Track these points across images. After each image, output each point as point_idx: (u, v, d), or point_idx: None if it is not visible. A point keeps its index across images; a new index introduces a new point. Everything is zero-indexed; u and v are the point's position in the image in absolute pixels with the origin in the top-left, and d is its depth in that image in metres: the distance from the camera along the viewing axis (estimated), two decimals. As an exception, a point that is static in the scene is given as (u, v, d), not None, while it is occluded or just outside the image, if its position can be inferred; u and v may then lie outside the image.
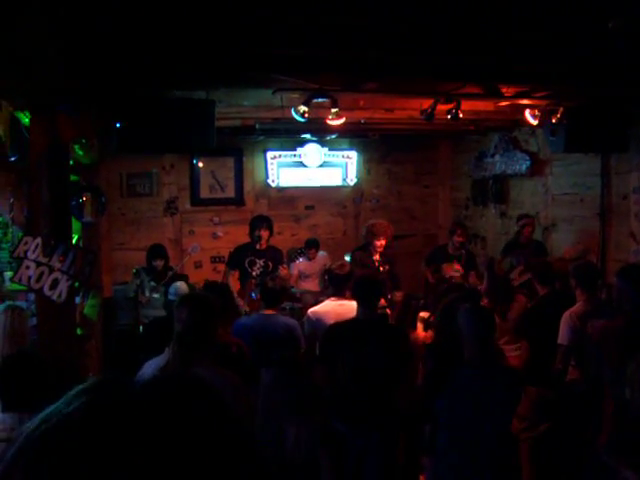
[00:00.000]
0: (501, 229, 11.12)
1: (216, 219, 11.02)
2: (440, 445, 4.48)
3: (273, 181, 11.02)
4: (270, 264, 9.11)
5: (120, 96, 5.95)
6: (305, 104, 6.27)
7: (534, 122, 7.44)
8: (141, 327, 7.77)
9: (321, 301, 9.07)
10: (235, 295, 8.25)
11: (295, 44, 4.87)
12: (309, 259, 9.76)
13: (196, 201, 10.87)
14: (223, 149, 9.90)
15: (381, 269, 8.80)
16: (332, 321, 6.12)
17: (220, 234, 11.01)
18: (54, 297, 4.81)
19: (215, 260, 10.88)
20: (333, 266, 6.66)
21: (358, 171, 11.52)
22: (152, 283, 8.18)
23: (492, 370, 4.37)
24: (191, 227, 10.86)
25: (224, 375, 3.90)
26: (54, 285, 4.81)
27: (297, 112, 6.34)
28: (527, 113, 7.36)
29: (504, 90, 6.63)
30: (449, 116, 6.83)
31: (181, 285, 6.85)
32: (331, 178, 11.41)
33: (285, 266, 9.11)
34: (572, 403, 5.99)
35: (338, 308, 6.30)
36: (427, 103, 6.93)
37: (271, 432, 4.06)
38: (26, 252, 4.78)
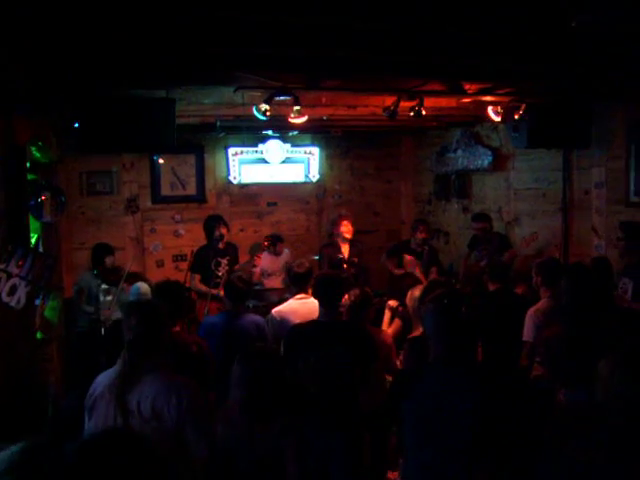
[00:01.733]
0: (464, 224, 11.11)
1: (178, 217, 10.87)
2: (408, 447, 4.43)
3: (235, 178, 10.89)
4: (233, 262, 9.08)
5: (79, 96, 5.83)
6: (267, 102, 6.20)
7: (497, 119, 7.45)
8: (102, 329, 7.62)
9: (285, 299, 9.09)
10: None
11: (257, 43, 4.80)
12: (274, 254, 9.62)
13: (157, 199, 10.71)
14: (184, 146, 9.75)
15: (354, 260, 8.79)
16: (297, 320, 6.08)
17: (182, 232, 10.87)
18: (12, 303, 4.69)
19: (177, 258, 10.75)
20: (292, 265, 6.62)
21: (320, 167, 11.43)
22: (104, 285, 7.99)
23: (458, 370, 4.32)
24: (152, 225, 10.71)
25: (176, 381, 3.85)
26: (12, 291, 4.70)
27: (259, 110, 6.26)
28: (490, 110, 7.36)
29: (467, 87, 6.62)
30: (412, 113, 6.80)
31: (142, 286, 6.74)
32: (293, 174, 11.31)
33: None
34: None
35: (301, 307, 6.25)
36: (390, 100, 6.89)
37: (242, 429, 4.00)
38: (-18, 258, 4.66)
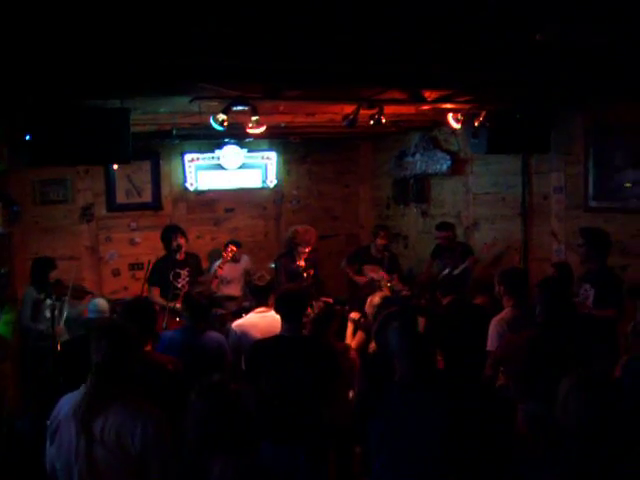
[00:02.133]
0: (423, 228, 11.11)
1: (133, 225, 10.67)
2: (375, 469, 4.36)
3: (191, 184, 10.74)
4: (194, 273, 8.92)
5: (29, 106, 5.66)
6: (224, 112, 6.08)
7: (457, 126, 7.42)
8: (59, 345, 7.40)
9: (244, 308, 8.97)
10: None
11: (214, 54, 4.68)
12: (224, 260, 9.41)
13: (112, 207, 10.49)
14: (139, 152, 9.49)
15: (305, 275, 8.67)
16: (258, 334, 5.99)
17: (138, 240, 10.68)
18: (-38, 325, 4.52)
19: (134, 267, 10.55)
20: (253, 277, 6.56)
21: (278, 172, 11.32)
22: (48, 301, 7.68)
23: (428, 392, 4.26)
24: (108, 234, 10.49)
25: (143, 410, 3.69)
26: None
27: (216, 121, 6.14)
28: (450, 117, 7.33)
29: (427, 95, 6.56)
30: (372, 122, 6.73)
31: (100, 302, 6.57)
32: (251, 180, 11.18)
33: (222, 266, 8.93)
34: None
35: (262, 320, 6.18)
36: (349, 108, 6.82)
37: (197, 466, 3.87)
38: None
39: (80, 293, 8.17)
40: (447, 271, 9.03)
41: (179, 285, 8.64)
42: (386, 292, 7.94)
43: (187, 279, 8.76)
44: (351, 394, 5.87)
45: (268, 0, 4.10)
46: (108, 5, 4.01)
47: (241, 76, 5.35)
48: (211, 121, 6.19)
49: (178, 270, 8.72)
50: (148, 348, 5.08)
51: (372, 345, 6.10)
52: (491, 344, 6.00)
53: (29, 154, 5.76)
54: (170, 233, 8.90)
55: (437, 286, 7.02)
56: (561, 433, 3.37)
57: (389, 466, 4.23)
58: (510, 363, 5.29)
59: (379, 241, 9.50)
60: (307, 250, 8.71)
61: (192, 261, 9.09)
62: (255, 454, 3.79)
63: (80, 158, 6.37)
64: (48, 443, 3.83)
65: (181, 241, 8.79)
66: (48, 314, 7.63)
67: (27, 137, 5.61)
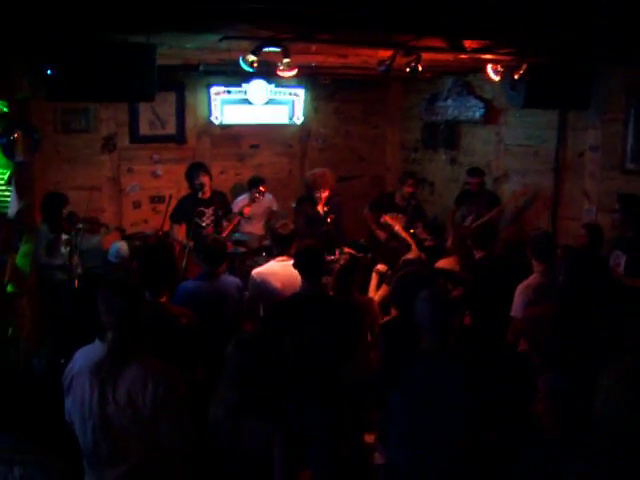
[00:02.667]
0: (451, 175, 10.86)
1: (156, 157, 10.48)
2: (394, 437, 4.24)
3: (217, 118, 10.49)
4: (220, 211, 8.79)
5: (51, 39, 5.42)
6: (254, 53, 5.80)
7: (496, 78, 7.10)
8: (76, 282, 7.29)
9: (264, 246, 8.84)
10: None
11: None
12: (252, 199, 9.29)
13: (135, 138, 10.27)
14: (164, 83, 9.29)
15: (328, 220, 8.49)
16: (278, 283, 5.93)
17: (160, 173, 10.50)
18: (-25, 270, 4.38)
19: (155, 200, 10.41)
20: (276, 225, 6.36)
21: (305, 109, 11.05)
22: (64, 236, 7.59)
23: (452, 362, 4.11)
24: (130, 165, 10.31)
25: (154, 368, 3.63)
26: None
27: (245, 62, 5.87)
28: (489, 68, 7.02)
29: (467, 44, 6.25)
30: (408, 69, 6.44)
31: (122, 247, 6.44)
32: (277, 116, 10.93)
33: (247, 205, 8.80)
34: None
35: (282, 269, 6.04)
36: (384, 52, 6.53)
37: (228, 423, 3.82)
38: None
39: (94, 226, 8.06)
40: (470, 219, 8.85)
41: (203, 224, 8.53)
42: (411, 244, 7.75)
43: (212, 218, 8.65)
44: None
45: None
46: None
47: (273, 18, 5.07)
48: (240, 62, 5.92)
49: (202, 208, 8.59)
50: (163, 299, 4.94)
51: (383, 290, 5.97)
52: (515, 310, 5.84)
53: (48, 89, 5.53)
54: (194, 171, 8.73)
55: (471, 237, 6.78)
56: (596, 425, 3.17)
57: (408, 435, 4.12)
58: (532, 336, 5.11)
59: (406, 189, 9.22)
60: (324, 195, 8.51)
61: (218, 199, 8.96)
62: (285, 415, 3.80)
63: (102, 95, 6.17)
64: (65, 395, 3.78)
65: (204, 179, 8.62)
66: (64, 249, 7.56)
67: (48, 72, 5.37)
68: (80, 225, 7.49)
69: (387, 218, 8.64)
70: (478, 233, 6.91)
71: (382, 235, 9.03)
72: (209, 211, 8.67)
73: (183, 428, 3.62)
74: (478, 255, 6.69)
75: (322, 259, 5.39)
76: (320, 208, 8.55)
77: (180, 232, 8.59)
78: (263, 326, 5.35)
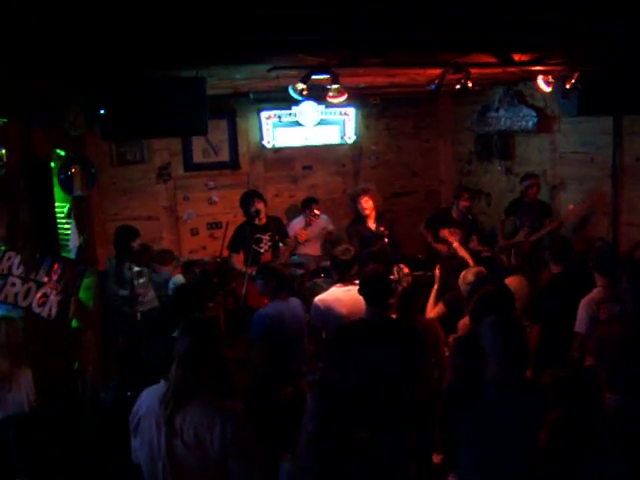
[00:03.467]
0: (507, 186, 10.74)
1: (211, 184, 10.61)
2: (464, 464, 4.19)
3: (269, 142, 10.56)
4: (276, 236, 8.83)
5: (103, 79, 5.51)
6: (303, 81, 5.82)
7: (547, 89, 7.00)
8: (138, 315, 7.41)
9: (322, 268, 8.86)
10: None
11: (295, 30, 4.43)
12: (308, 223, 9.31)
13: (189, 166, 10.43)
14: (215, 111, 9.41)
15: (383, 233, 8.48)
16: (343, 309, 5.97)
17: (216, 199, 10.62)
18: (44, 314, 4.46)
19: (212, 226, 10.53)
20: (337, 251, 6.35)
21: (356, 128, 11.04)
22: (135, 268, 7.75)
23: (521, 389, 4.04)
24: (185, 193, 10.45)
25: (221, 408, 3.63)
26: (43, 301, 4.45)
27: (295, 91, 5.90)
28: (540, 79, 6.92)
29: (516, 57, 6.19)
30: (458, 86, 6.40)
31: (179, 279, 6.55)
32: (329, 136, 10.94)
33: (305, 231, 8.83)
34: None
35: (345, 295, 6.07)
36: (433, 71, 6.51)
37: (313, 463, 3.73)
38: (10, 268, 4.40)
39: (164, 259, 8.17)
40: (524, 231, 8.72)
41: (262, 250, 8.57)
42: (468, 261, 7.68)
43: (269, 244, 8.68)
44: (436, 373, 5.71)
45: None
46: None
47: (320, 46, 5.08)
48: (290, 90, 5.95)
49: (259, 235, 8.64)
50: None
51: (462, 323, 5.87)
52: (579, 325, 5.76)
53: (102, 128, 5.62)
54: (248, 199, 8.80)
55: (548, 251, 6.64)
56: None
57: (479, 463, 4.06)
58: (601, 357, 4.98)
59: (462, 203, 9.16)
60: (369, 204, 8.53)
61: (274, 224, 9.02)
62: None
63: (154, 131, 6.22)
64: (132, 436, 3.80)
65: (259, 206, 8.68)
66: (135, 281, 7.71)
67: (100, 111, 5.46)
68: (151, 259, 7.66)
69: (445, 232, 8.58)
70: (555, 246, 6.73)
71: (442, 248, 8.95)
72: (266, 237, 8.71)
73: (253, 468, 3.60)
74: (556, 270, 6.54)
75: (388, 285, 5.37)
76: (372, 225, 8.55)
77: (239, 260, 8.66)
78: (328, 353, 5.33)
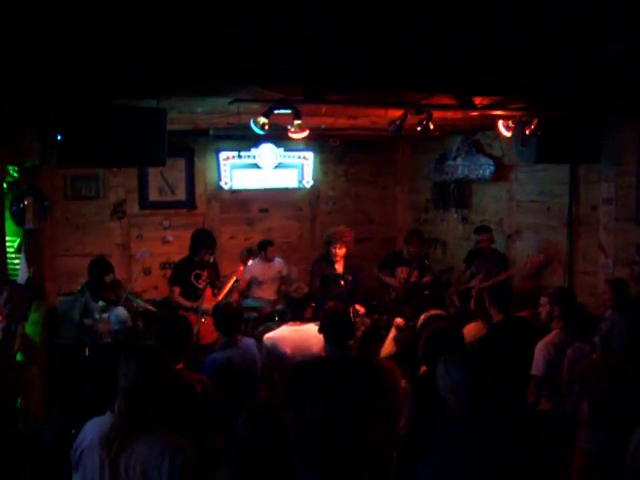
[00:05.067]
0: (462, 234, 10.78)
1: (166, 223, 10.48)
2: None
3: (226, 183, 10.51)
4: (214, 274, 8.77)
5: (58, 106, 5.40)
6: (265, 116, 5.78)
7: (507, 134, 7.08)
8: (87, 350, 7.20)
9: (277, 311, 8.77)
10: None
11: (256, 56, 4.39)
12: (265, 260, 9.48)
13: (145, 204, 10.31)
14: (173, 149, 9.29)
15: (342, 282, 8.41)
16: (287, 348, 5.87)
17: (170, 238, 10.48)
18: (-13, 340, 4.27)
19: (165, 266, 10.35)
20: (290, 289, 6.26)
21: (314, 172, 11.07)
22: (101, 303, 7.60)
23: (482, 429, 3.94)
24: (140, 231, 10.31)
25: (171, 442, 3.41)
26: (-14, 326, 4.27)
27: (256, 124, 5.84)
28: (500, 124, 6.99)
29: (477, 101, 6.24)
30: (419, 128, 6.42)
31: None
32: (287, 180, 10.94)
33: (240, 268, 8.81)
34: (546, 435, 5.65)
35: (294, 334, 5.98)
36: (394, 112, 6.52)
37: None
38: (-46, 291, 4.23)
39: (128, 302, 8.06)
40: (479, 278, 8.73)
41: (200, 286, 8.49)
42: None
43: (207, 280, 8.57)
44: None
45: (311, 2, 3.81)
46: (142, 4, 3.74)
47: (283, 79, 5.05)
48: (251, 124, 5.90)
49: (199, 272, 8.54)
50: (180, 366, 4.84)
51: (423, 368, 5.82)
52: (536, 368, 5.71)
53: (58, 154, 5.49)
54: (201, 246, 8.62)
55: (492, 298, 6.59)
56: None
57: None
58: (589, 389, 4.93)
59: (411, 249, 9.22)
60: (341, 251, 8.48)
61: (212, 265, 8.92)
62: None
63: (112, 160, 6.12)
64: (73, 471, 3.60)
65: (208, 258, 8.61)
66: (97, 315, 7.52)
67: (58, 137, 5.34)
68: (121, 297, 7.52)
69: (399, 271, 9.10)
70: (495, 294, 6.68)
71: (396, 283, 9.16)
72: (204, 274, 8.61)
73: None
74: (497, 318, 6.49)
75: (349, 323, 5.26)
76: (339, 268, 8.52)
77: (177, 293, 8.60)
78: (284, 391, 5.18)
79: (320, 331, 5.18)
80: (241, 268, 9.00)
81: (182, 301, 8.48)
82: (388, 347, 6.41)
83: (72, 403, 6.07)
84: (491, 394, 4.00)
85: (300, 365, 5.24)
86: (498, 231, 9.62)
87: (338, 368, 4.95)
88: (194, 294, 8.41)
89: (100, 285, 7.87)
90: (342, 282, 8.39)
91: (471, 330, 6.58)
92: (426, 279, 9.28)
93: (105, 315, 7.43)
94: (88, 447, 3.49)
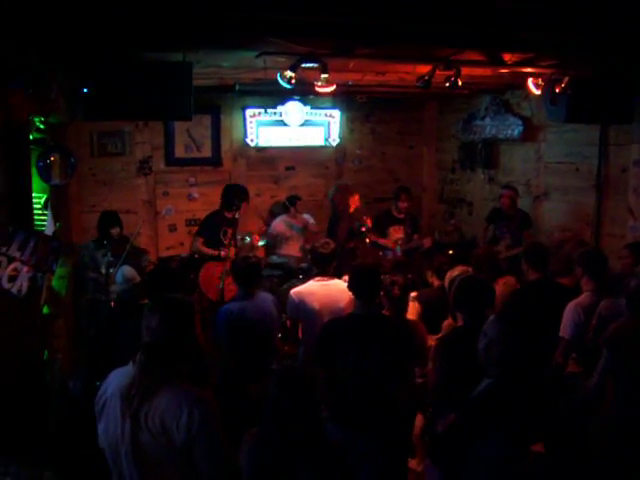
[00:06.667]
0: (489, 195, 10.69)
1: (192, 180, 10.46)
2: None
3: (252, 140, 10.44)
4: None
5: (86, 59, 5.36)
6: (292, 69, 5.71)
7: (537, 92, 6.95)
8: (112, 302, 7.25)
9: (301, 268, 8.78)
10: None
11: (286, 10, 4.33)
12: (294, 216, 9.74)
13: (171, 161, 10.27)
14: (199, 106, 9.23)
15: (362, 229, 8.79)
16: (316, 303, 5.84)
17: (196, 195, 10.47)
18: (14, 290, 4.28)
19: (190, 223, 10.34)
20: (316, 244, 6.20)
21: (341, 131, 10.98)
22: (109, 257, 7.65)
23: (515, 386, 3.94)
24: (165, 188, 10.29)
25: (190, 394, 3.39)
26: (13, 277, 4.27)
27: (283, 78, 5.78)
28: (530, 82, 6.87)
29: (507, 57, 6.13)
30: (447, 84, 6.32)
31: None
32: (313, 138, 10.85)
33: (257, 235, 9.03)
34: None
35: (321, 289, 5.95)
36: (422, 68, 6.43)
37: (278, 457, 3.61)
38: (-20, 240, 4.23)
39: (138, 255, 8.07)
40: (504, 243, 8.68)
41: (225, 242, 8.64)
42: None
43: (231, 237, 8.70)
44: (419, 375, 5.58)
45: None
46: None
47: (312, 31, 4.99)
48: (278, 78, 5.84)
49: (226, 228, 8.70)
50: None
51: (447, 323, 5.80)
52: (564, 330, 5.65)
53: (84, 108, 5.49)
54: (234, 198, 8.71)
55: (527, 257, 6.52)
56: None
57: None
58: (619, 353, 4.84)
59: (400, 204, 9.45)
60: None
61: (237, 223, 8.98)
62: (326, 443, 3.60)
63: (138, 114, 6.12)
64: (97, 420, 3.62)
65: (240, 211, 8.73)
66: (104, 269, 7.56)
67: (84, 90, 5.31)
68: (124, 250, 7.53)
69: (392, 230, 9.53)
70: (530, 253, 6.57)
71: (388, 243, 9.51)
72: (230, 230, 8.70)
73: (219, 455, 3.42)
74: (532, 277, 6.43)
75: (378, 279, 5.21)
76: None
77: (201, 243, 8.84)
78: (315, 347, 5.15)
79: (349, 288, 5.13)
80: (263, 229, 9.07)
81: (205, 250, 8.68)
82: (414, 308, 6.38)
83: (99, 354, 6.11)
84: (523, 352, 3.97)
85: (331, 322, 5.20)
86: (525, 192, 9.53)
87: (370, 325, 4.90)
88: (217, 248, 8.65)
89: (106, 238, 7.96)
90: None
91: (504, 284, 6.57)
92: (427, 243, 9.34)
93: (111, 270, 7.48)
94: (110, 397, 3.50)
